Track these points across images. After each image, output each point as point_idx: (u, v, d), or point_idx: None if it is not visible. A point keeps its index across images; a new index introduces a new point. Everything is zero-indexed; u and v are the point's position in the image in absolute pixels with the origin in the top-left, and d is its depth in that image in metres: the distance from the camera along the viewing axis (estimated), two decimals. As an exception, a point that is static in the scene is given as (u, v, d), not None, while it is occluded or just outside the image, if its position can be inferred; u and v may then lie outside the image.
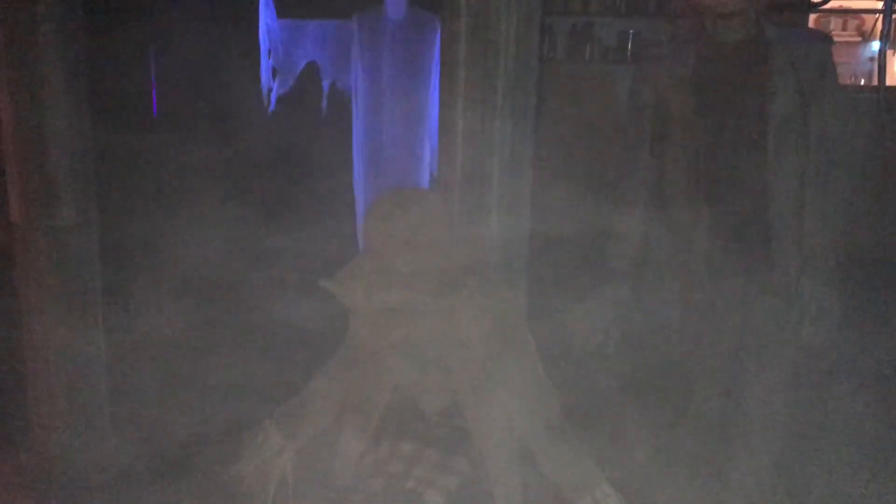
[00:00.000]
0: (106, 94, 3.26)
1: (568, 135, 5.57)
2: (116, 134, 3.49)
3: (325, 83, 4.18)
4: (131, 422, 3.33)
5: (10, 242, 3.18)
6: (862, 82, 6.84)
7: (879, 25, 6.11)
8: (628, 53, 6.06)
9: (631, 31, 6.06)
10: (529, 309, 2.57)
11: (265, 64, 3.92)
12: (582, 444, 2.15)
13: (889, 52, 6.24)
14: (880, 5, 6.06)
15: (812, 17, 6.80)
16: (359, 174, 4.19)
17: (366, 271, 2.17)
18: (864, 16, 7.00)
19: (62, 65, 2.90)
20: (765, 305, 2.54)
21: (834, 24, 7.06)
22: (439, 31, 3.99)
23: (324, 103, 4.15)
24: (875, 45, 6.68)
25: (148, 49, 4.23)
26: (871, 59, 6.78)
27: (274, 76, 3.91)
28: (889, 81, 6.06)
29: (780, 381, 2.59)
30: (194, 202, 4.04)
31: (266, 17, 3.87)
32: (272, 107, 4.01)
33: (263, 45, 3.87)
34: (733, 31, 2.43)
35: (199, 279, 3.94)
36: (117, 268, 3.45)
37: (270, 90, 4.04)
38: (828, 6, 5.54)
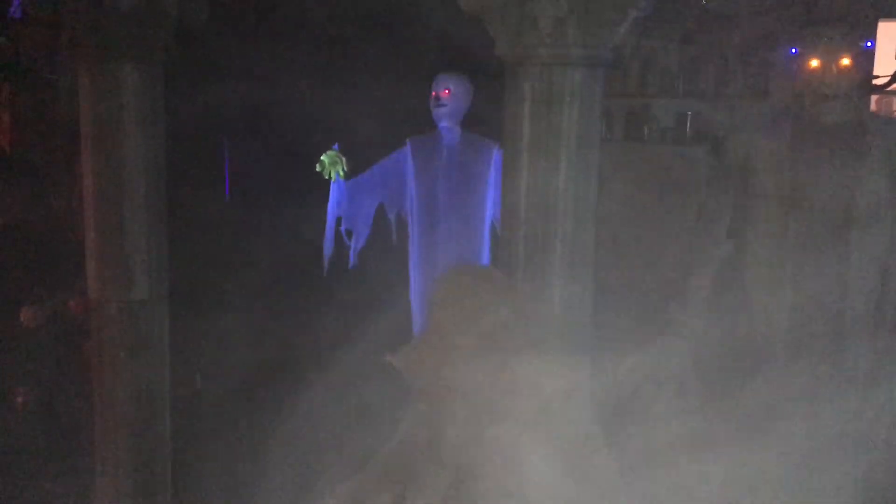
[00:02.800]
0: (181, 174, 3.40)
1: (628, 213, 5.58)
2: (189, 212, 3.63)
3: (391, 215, 4.32)
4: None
5: (86, 316, 3.30)
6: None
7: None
8: (686, 134, 6.09)
9: (689, 113, 6.10)
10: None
11: (330, 235, 4.07)
12: None
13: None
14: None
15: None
16: (415, 292, 4.26)
17: (430, 347, 2.19)
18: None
19: (143, 146, 3.06)
20: (838, 401, 2.49)
21: (896, 105, 7.01)
22: (494, 154, 4.15)
23: (393, 235, 4.28)
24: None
25: (223, 134, 4.41)
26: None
27: (349, 237, 4.06)
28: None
29: None
30: (260, 289, 4.14)
31: (336, 193, 4.04)
32: (351, 262, 4.16)
33: (332, 215, 4.03)
34: (834, 114, 2.46)
35: (267, 359, 4.01)
36: (186, 341, 3.53)
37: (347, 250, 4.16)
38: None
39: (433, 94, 4.23)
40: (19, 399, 3.86)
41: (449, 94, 4.21)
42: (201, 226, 3.96)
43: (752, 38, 5.48)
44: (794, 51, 2.54)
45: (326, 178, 4.03)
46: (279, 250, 4.27)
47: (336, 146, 4.04)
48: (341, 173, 4.06)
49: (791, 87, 2.54)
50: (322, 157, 4.01)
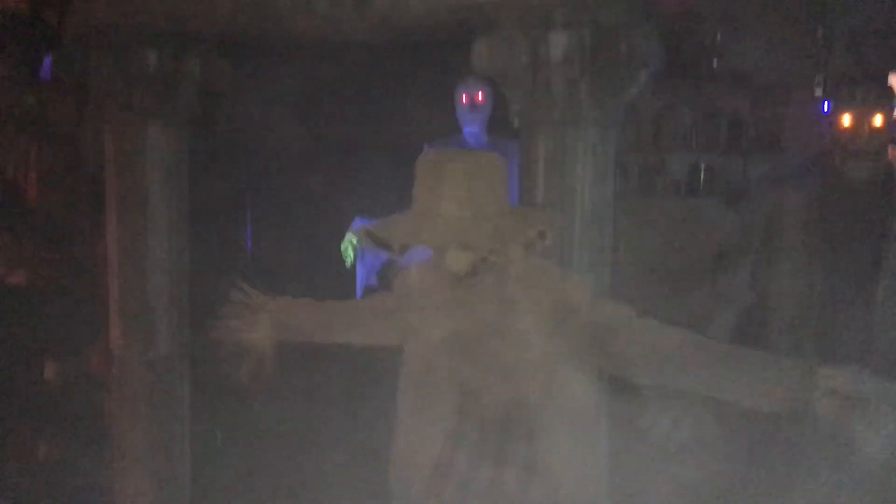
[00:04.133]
0: (203, 231, 3.47)
1: (644, 267, 5.60)
2: (211, 268, 3.69)
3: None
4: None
5: (107, 371, 3.34)
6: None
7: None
8: (700, 187, 6.14)
9: (703, 165, 6.16)
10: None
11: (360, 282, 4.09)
12: None
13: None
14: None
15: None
16: None
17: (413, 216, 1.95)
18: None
19: (167, 205, 3.14)
20: None
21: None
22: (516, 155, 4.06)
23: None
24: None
25: (245, 193, 4.49)
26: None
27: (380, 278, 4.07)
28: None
29: None
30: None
31: (361, 270, 4.04)
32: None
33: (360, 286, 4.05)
34: (864, 171, 2.50)
35: (284, 424, 4.03)
36: (207, 397, 3.56)
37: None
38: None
39: (464, 98, 4.00)
40: (40, 453, 3.89)
41: (484, 97, 3.98)
42: (223, 280, 4.02)
43: (765, 94, 5.55)
44: (826, 107, 2.58)
45: (349, 265, 4.02)
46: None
47: (355, 224, 3.97)
48: (352, 256, 4.02)
49: (819, 142, 2.58)
50: (342, 247, 3.99)
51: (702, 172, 6.02)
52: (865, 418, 1.70)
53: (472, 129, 4.06)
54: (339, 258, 4.18)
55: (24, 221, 4.59)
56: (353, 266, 4.12)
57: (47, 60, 4.60)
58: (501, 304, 1.99)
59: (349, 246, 4.02)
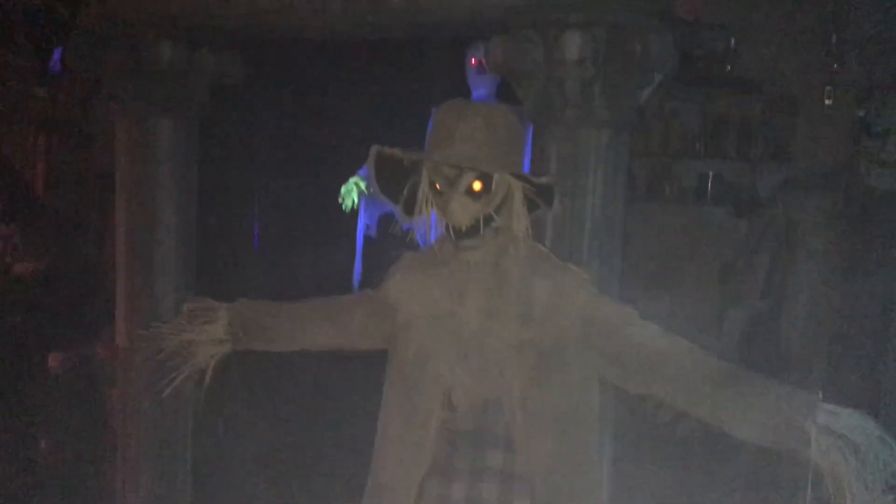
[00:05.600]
0: (210, 225, 3.47)
1: (651, 273, 5.60)
2: (218, 262, 3.69)
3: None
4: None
5: (113, 363, 3.34)
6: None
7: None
8: (708, 194, 6.12)
9: (710, 173, 6.14)
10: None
11: (359, 258, 4.04)
12: None
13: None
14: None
15: None
16: None
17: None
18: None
19: (176, 198, 3.14)
20: None
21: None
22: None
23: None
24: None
25: (253, 184, 4.50)
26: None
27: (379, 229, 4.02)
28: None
29: None
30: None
31: (364, 218, 4.00)
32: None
33: (361, 235, 4.00)
34: (888, 180, 2.49)
35: (290, 407, 4.03)
36: (210, 389, 3.55)
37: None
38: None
39: (473, 61, 4.02)
40: (43, 444, 3.89)
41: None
42: (230, 276, 4.02)
43: (775, 102, 5.54)
44: (861, 115, 2.56)
45: (349, 209, 3.92)
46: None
47: (363, 170, 3.90)
48: (356, 199, 3.92)
49: (845, 150, 2.57)
50: (343, 189, 3.90)
51: (710, 180, 6.02)
52: (856, 469, 1.62)
53: (480, 92, 4.06)
54: (345, 253, 4.15)
55: (33, 212, 4.61)
56: (354, 211, 3.98)
57: (59, 53, 4.62)
58: (496, 284, 1.95)
59: (353, 188, 3.92)
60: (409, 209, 1.96)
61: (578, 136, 2.52)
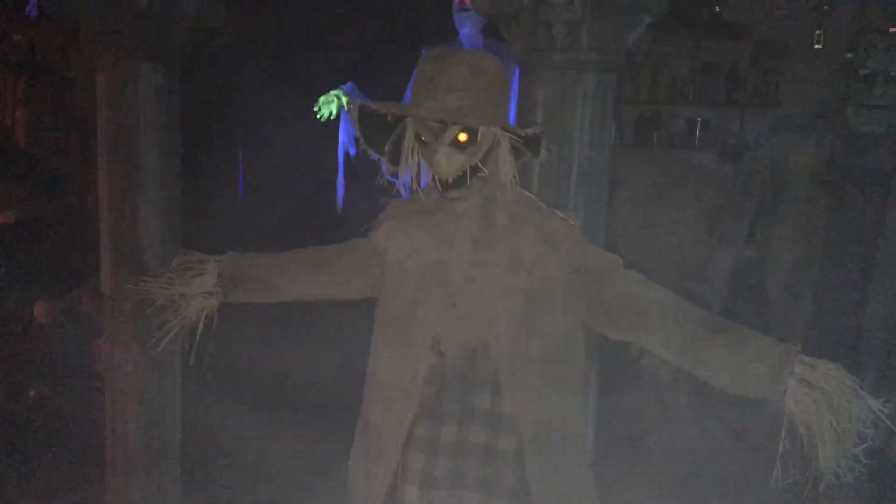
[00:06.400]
0: (194, 173, 3.43)
1: (639, 220, 5.61)
2: (203, 210, 3.66)
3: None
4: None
5: (99, 312, 3.32)
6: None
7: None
8: (696, 141, 6.11)
9: (699, 119, 6.12)
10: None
11: (342, 172, 4.00)
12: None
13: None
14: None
15: None
16: None
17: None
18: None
19: (159, 144, 3.09)
20: None
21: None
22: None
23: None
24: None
25: (238, 133, 4.45)
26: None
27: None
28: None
29: None
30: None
31: (344, 132, 3.94)
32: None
33: (343, 150, 3.94)
34: (875, 124, 2.47)
35: (278, 358, 4.05)
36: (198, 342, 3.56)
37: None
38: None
39: None
40: (31, 394, 3.90)
41: None
42: (215, 224, 4.00)
43: (764, 47, 5.49)
44: (849, 57, 2.52)
45: (325, 119, 3.80)
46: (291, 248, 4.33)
47: (348, 85, 3.80)
48: (334, 111, 3.82)
49: (835, 95, 2.54)
50: (321, 100, 3.77)
51: (698, 126, 6.00)
52: (830, 420, 1.65)
53: (466, 30, 4.00)
54: (329, 204, 4.13)
55: (14, 161, 4.55)
56: (331, 121, 3.88)
57: (35, -2, 4.52)
58: (483, 232, 1.95)
59: (334, 100, 3.81)
60: (395, 159, 1.95)
61: (565, 80, 2.48)
